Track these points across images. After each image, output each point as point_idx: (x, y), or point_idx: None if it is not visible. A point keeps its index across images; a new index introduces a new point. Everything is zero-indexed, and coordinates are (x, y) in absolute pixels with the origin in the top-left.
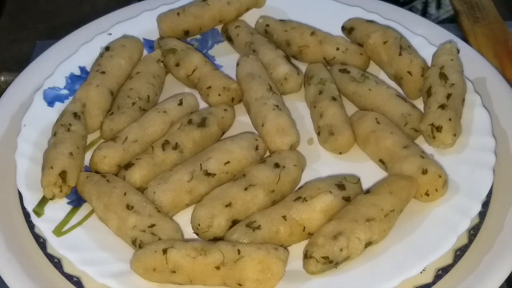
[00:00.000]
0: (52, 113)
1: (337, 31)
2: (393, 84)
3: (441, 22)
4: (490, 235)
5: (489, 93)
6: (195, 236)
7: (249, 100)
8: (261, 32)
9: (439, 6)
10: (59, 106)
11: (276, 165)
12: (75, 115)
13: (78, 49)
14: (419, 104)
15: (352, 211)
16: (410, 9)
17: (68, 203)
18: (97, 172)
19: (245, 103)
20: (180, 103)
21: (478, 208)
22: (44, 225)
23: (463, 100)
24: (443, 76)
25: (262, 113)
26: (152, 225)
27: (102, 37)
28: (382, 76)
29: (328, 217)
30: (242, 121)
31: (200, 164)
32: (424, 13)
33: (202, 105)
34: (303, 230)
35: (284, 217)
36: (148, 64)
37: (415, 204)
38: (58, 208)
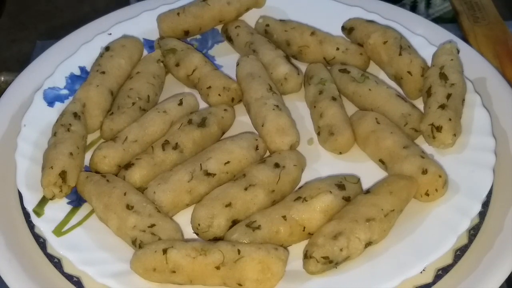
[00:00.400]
0: (52, 113)
1: (337, 31)
2: (393, 84)
3: (437, 21)
4: (490, 235)
5: (489, 93)
6: (195, 236)
7: (249, 100)
8: (261, 32)
9: (428, 5)
10: (59, 106)
11: (276, 165)
12: (75, 115)
13: (78, 49)
14: (419, 104)
15: (352, 211)
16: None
17: (68, 203)
18: (97, 172)
19: (245, 103)
20: (180, 103)
21: (478, 208)
22: (44, 225)
23: (463, 100)
24: (443, 76)
25: (262, 113)
26: (152, 225)
27: (102, 37)
28: (382, 76)
29: (328, 217)
30: (242, 121)
31: (200, 164)
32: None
33: (202, 105)
34: (303, 230)
35: (284, 217)
36: (148, 64)
37: (415, 204)
38: (58, 208)
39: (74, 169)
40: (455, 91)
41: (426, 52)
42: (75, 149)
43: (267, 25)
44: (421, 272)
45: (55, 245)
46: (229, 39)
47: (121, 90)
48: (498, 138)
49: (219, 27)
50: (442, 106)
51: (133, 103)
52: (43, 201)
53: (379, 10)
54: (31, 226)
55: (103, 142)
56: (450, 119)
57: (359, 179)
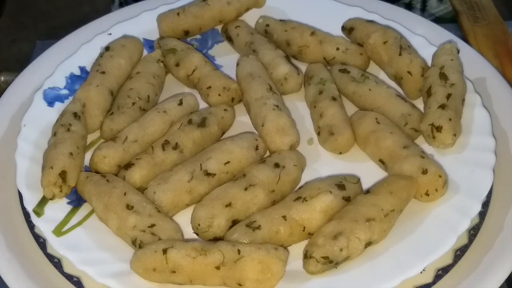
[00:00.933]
0: (52, 113)
1: (337, 31)
2: (393, 84)
3: (437, 21)
4: (490, 235)
5: (489, 93)
6: (195, 236)
7: (249, 100)
8: (261, 32)
9: (424, 8)
10: (59, 106)
11: (276, 165)
12: (75, 115)
13: (78, 49)
14: (419, 104)
15: (352, 211)
16: (410, 4)
17: (68, 203)
18: (97, 172)
19: (245, 103)
20: (180, 103)
21: (478, 208)
22: (44, 225)
23: (463, 100)
24: (443, 76)
25: (262, 113)
26: (152, 225)
27: (102, 37)
28: (382, 76)
29: (328, 217)
30: (242, 121)
31: (200, 164)
32: (423, 8)
33: (202, 105)
34: (303, 230)
35: (284, 217)
36: (148, 64)
37: (415, 204)
38: (58, 208)
39: (74, 169)
40: (455, 91)
41: (426, 52)
42: (75, 149)
43: (267, 25)
44: (421, 272)
45: (55, 245)
46: (229, 39)
47: (121, 90)
48: (498, 138)
49: (219, 27)
50: (442, 106)
51: (133, 103)
52: (43, 201)
53: (379, 10)
54: (31, 226)
55: (103, 142)
56: (450, 119)
57: (359, 179)
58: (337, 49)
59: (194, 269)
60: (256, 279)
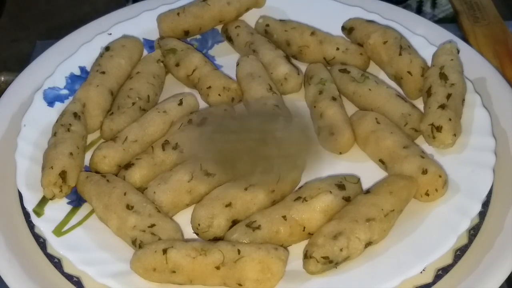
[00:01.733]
0: (52, 113)
1: (337, 31)
2: (393, 84)
3: (437, 22)
4: (490, 235)
5: (489, 93)
6: (195, 236)
7: (249, 100)
8: (261, 32)
9: (434, 5)
10: (59, 106)
11: None
12: (75, 115)
13: (78, 49)
14: (419, 104)
15: (352, 211)
16: (405, 8)
17: (68, 203)
18: (97, 172)
19: (245, 103)
20: (180, 103)
21: (478, 208)
22: (44, 225)
23: (463, 100)
24: (443, 76)
25: None
26: (152, 225)
27: (102, 37)
28: (382, 76)
29: (328, 217)
30: None
31: (200, 164)
32: (419, 12)
33: (202, 105)
34: (303, 230)
35: (284, 217)
36: (148, 64)
37: (415, 204)
38: (58, 208)
39: (74, 169)
40: (455, 91)
41: (426, 52)
42: (75, 149)
43: (267, 25)
44: (421, 272)
45: (55, 245)
46: (229, 39)
47: (121, 90)
48: (498, 138)
49: (219, 27)
50: (442, 106)
51: (133, 103)
52: (43, 201)
53: (379, 10)
54: (31, 226)
55: (103, 142)
56: (450, 119)
57: (359, 179)
58: (337, 49)
59: (194, 269)
60: (256, 279)
